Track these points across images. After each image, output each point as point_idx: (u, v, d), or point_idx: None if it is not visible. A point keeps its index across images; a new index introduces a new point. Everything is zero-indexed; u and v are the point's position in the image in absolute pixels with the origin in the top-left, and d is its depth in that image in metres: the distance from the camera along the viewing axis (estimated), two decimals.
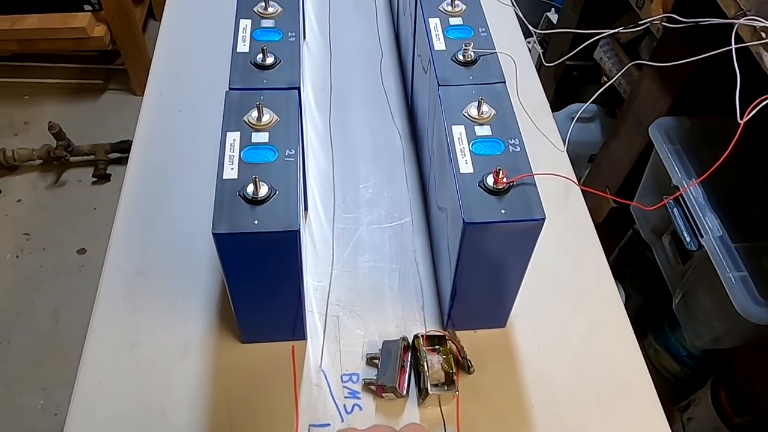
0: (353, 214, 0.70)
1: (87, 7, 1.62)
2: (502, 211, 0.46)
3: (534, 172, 0.48)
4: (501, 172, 0.47)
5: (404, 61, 0.85)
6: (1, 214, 1.58)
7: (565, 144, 0.74)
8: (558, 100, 1.55)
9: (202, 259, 0.64)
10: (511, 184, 0.48)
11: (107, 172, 1.64)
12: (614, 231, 1.28)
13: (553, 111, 0.85)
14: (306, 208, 0.69)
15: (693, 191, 0.85)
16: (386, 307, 0.62)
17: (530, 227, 0.47)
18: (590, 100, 0.77)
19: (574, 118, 1.52)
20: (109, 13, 1.64)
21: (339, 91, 0.83)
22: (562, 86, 1.58)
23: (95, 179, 1.64)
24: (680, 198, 0.87)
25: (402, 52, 0.87)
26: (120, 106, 1.84)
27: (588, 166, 1.45)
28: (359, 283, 0.64)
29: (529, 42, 0.98)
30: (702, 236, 0.81)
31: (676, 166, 0.87)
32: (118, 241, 0.65)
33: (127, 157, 1.74)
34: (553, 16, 1.62)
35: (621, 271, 1.30)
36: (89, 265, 1.48)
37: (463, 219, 0.46)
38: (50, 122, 1.57)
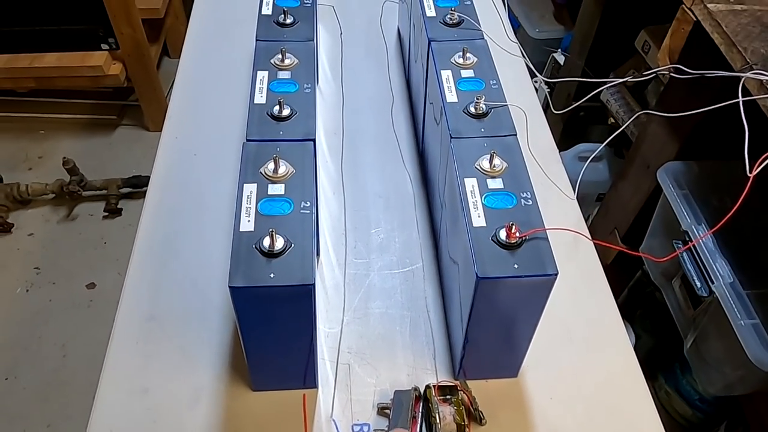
0: (365, 259, 0.71)
1: (104, 46, 1.66)
2: (515, 266, 0.47)
3: (546, 227, 0.49)
4: (513, 226, 0.48)
5: (415, 107, 0.87)
6: (13, 248, 1.60)
7: (575, 190, 0.75)
8: (565, 139, 1.56)
9: (214, 305, 0.64)
10: (524, 238, 0.48)
11: (119, 206, 1.66)
12: (623, 271, 1.28)
13: (560, 150, 0.87)
14: (318, 254, 0.70)
15: (702, 236, 0.85)
16: (397, 355, 0.62)
17: (543, 282, 0.47)
18: (602, 145, 0.78)
19: (580, 157, 1.54)
20: (126, 52, 1.68)
21: (351, 136, 0.85)
22: (569, 125, 1.60)
23: (106, 214, 1.66)
24: (690, 243, 0.87)
25: (413, 98, 0.88)
26: (133, 141, 1.87)
27: (596, 204, 1.46)
28: (370, 330, 0.64)
29: (536, 82, 0.99)
30: (713, 282, 0.81)
31: (685, 212, 0.87)
32: (131, 285, 0.66)
33: (139, 192, 1.75)
34: (560, 57, 1.64)
35: (630, 312, 1.29)
36: (98, 299, 1.48)
37: (477, 274, 0.46)
38: (65, 158, 1.59)
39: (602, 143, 1.58)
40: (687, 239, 0.88)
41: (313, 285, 0.46)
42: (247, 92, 0.86)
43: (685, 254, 0.89)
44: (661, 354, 1.26)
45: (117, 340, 0.62)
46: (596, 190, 1.49)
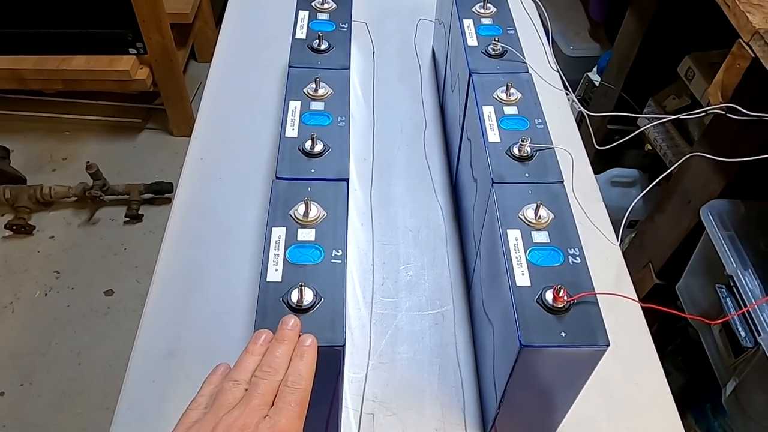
0: (392, 298, 0.67)
1: (132, 50, 1.65)
2: (562, 334, 0.43)
3: (597, 291, 0.45)
4: (562, 290, 0.44)
5: (449, 135, 0.83)
6: (34, 251, 1.59)
7: (618, 238, 0.71)
8: (599, 162, 1.51)
9: (238, 343, 0.61)
10: (572, 302, 0.44)
11: (140, 212, 1.65)
12: (656, 303, 1.23)
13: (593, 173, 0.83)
14: None
15: (749, 283, 0.80)
16: (425, 407, 0.59)
17: (592, 353, 0.43)
18: (648, 188, 0.74)
19: (614, 182, 1.49)
20: (153, 57, 1.67)
21: (381, 162, 0.82)
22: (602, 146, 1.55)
23: (127, 219, 1.65)
24: (735, 288, 0.82)
25: (447, 125, 0.85)
26: (157, 145, 1.86)
27: (628, 231, 1.40)
28: (397, 378, 0.61)
29: (569, 98, 0.95)
30: (759, 334, 0.76)
31: (730, 255, 0.82)
32: (150, 317, 0.63)
33: (160, 198, 1.73)
34: (595, 77, 1.59)
35: (661, 347, 1.24)
36: (115, 307, 1.47)
37: (520, 341, 0.43)
38: (88, 162, 1.59)
39: (636, 168, 1.52)
40: (731, 284, 0.83)
41: (344, 346, 0.43)
42: (276, 113, 0.84)
43: (728, 299, 0.84)
44: (692, 392, 1.20)
45: (132, 378, 0.59)
46: (629, 215, 1.44)
